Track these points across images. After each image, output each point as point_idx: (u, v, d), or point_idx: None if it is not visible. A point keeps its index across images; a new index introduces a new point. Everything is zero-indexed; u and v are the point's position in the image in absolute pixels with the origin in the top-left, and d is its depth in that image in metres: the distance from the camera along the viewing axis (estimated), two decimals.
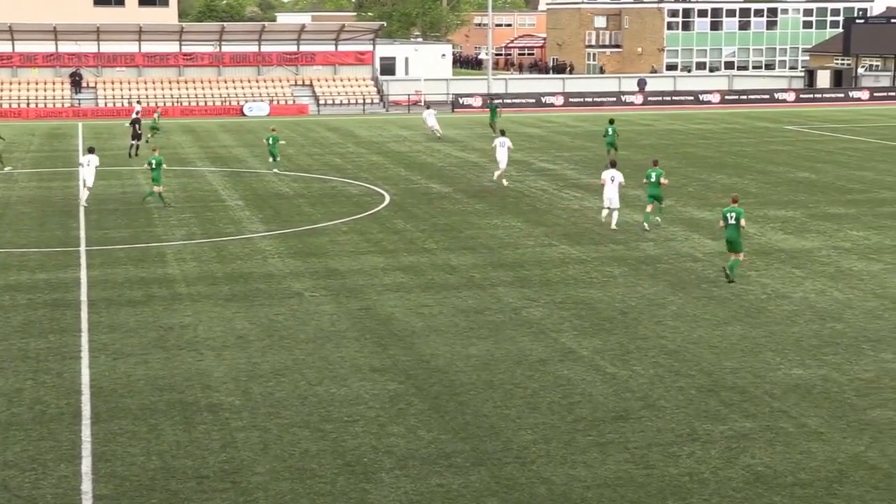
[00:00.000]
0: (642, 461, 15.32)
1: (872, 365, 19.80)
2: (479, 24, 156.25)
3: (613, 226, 32.82)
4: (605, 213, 33.20)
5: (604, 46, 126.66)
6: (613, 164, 33.24)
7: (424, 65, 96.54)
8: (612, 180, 32.51)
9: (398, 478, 14.75)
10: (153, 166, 36.92)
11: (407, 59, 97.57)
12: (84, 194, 37.45)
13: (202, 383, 18.73)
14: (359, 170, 47.60)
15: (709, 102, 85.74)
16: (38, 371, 19.51)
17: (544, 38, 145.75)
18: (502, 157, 42.07)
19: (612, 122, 48.66)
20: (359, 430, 16.53)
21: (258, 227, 33.90)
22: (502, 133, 43.52)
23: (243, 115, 77.87)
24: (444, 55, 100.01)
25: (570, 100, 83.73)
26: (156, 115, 61.15)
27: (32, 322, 22.75)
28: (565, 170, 47.46)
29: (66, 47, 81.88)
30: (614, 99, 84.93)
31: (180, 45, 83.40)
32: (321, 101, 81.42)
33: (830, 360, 20.05)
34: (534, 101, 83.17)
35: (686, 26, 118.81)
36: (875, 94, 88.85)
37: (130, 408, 17.55)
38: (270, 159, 46.85)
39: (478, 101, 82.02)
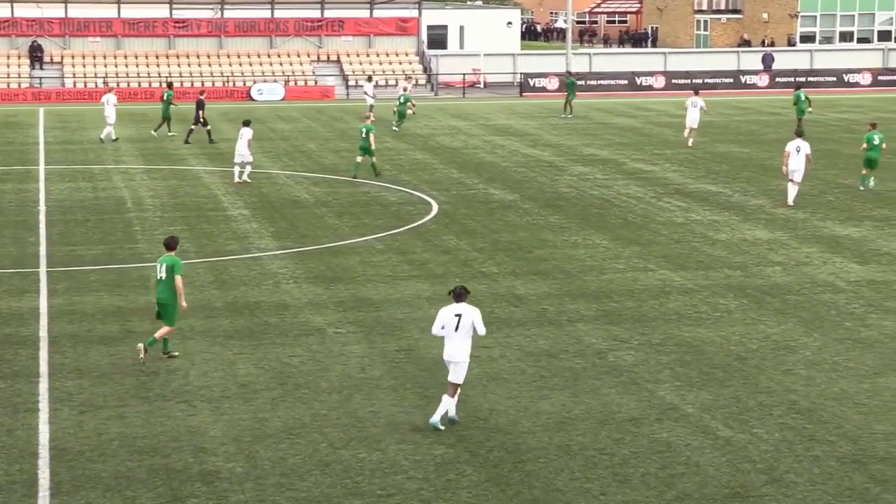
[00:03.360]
0: None
1: None
2: None
3: (790, 201, 39.04)
4: (791, 189, 39.38)
5: (718, 12, 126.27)
6: (800, 135, 39.83)
7: (485, 35, 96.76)
8: (797, 151, 39.01)
9: None
10: (364, 134, 44.85)
11: (462, 29, 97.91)
12: (236, 171, 44.42)
13: (194, 445, 18.85)
14: (399, 171, 47.77)
15: (857, 84, 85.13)
16: None
17: (640, 1, 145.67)
18: (694, 117, 51.76)
19: (799, 87, 58.28)
20: None
21: (269, 243, 34.14)
22: (696, 92, 51.11)
23: (251, 98, 78.57)
24: (510, 23, 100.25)
25: (674, 81, 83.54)
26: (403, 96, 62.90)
27: None
28: (666, 172, 47.35)
29: (24, 11, 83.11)
30: (731, 80, 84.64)
31: (171, 8, 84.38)
32: (351, 83, 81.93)
33: None
34: (626, 82, 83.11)
35: None
36: None
37: (101, 476, 17.70)
38: (395, 119, 56.37)
39: (554, 83, 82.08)
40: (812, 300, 27.67)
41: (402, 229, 35.95)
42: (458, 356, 19.41)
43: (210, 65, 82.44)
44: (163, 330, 23.10)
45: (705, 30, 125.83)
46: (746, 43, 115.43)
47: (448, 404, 19.42)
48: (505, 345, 24.17)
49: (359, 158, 45.36)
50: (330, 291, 28.45)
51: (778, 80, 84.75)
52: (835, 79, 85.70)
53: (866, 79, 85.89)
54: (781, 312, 26.62)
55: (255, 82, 79.97)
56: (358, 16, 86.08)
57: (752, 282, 29.37)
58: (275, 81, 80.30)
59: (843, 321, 25.92)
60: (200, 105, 56.40)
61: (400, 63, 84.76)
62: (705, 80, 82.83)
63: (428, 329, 25.00)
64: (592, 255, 32.34)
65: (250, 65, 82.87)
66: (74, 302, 27.53)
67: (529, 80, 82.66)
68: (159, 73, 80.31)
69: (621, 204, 40.18)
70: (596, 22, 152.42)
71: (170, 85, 60.35)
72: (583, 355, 23.52)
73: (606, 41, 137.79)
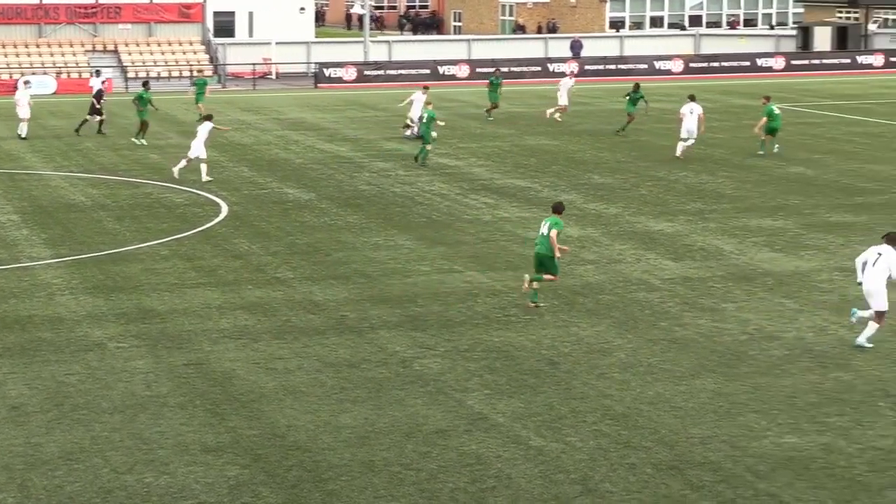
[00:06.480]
0: None
1: (892, 428, 20.30)
2: None
3: (678, 154, 47.87)
4: (681, 146, 47.83)
5: None
6: (693, 98, 48.84)
7: (276, 23, 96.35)
8: (691, 112, 47.73)
9: None
10: (423, 120, 48.36)
11: (251, 15, 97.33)
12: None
13: None
14: (184, 170, 47.32)
15: (668, 72, 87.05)
16: None
17: None
18: (692, 125, 49.19)
19: (637, 86, 57.28)
20: None
21: (41, 251, 33.49)
22: (692, 98, 49.92)
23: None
24: (302, 9, 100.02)
25: (479, 70, 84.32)
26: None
27: None
28: (472, 167, 47.80)
29: None
30: (539, 68, 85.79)
31: None
32: (130, 74, 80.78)
33: (835, 424, 20.50)
34: (429, 71, 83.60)
35: None
36: (892, 60, 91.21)
37: None
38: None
39: (351, 73, 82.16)
40: (626, 300, 28.24)
41: (188, 233, 35.61)
42: (870, 285, 24.00)
43: None
44: (548, 277, 27.50)
45: (510, 15, 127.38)
46: (521, 28, 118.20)
47: (872, 329, 24.27)
48: (303, 355, 24.13)
49: (428, 147, 47.79)
50: (110, 302, 28.05)
51: (587, 67, 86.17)
52: (646, 66, 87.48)
53: (678, 66, 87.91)
54: (594, 313, 27.10)
55: (22, 74, 78.15)
56: (137, 1, 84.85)
57: (563, 282, 29.78)
58: (45, 73, 78.65)
59: (658, 321, 26.52)
60: (100, 95, 56.83)
61: (184, 53, 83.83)
62: (511, 69, 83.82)
63: (220, 341, 24.96)
64: (395, 257, 32.48)
65: (17, 55, 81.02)
66: None
67: (325, 70, 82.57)
68: None
69: (425, 202, 40.43)
70: (395, 7, 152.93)
71: (145, 83, 57.95)
72: (386, 364, 23.61)
73: (381, 26, 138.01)
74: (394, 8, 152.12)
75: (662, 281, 29.90)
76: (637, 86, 57.03)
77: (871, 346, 24.19)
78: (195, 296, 28.66)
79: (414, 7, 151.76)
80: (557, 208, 28.05)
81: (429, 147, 47.94)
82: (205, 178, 44.01)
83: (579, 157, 49.66)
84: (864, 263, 24.30)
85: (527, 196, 41.21)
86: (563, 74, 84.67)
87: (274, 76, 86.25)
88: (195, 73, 70.43)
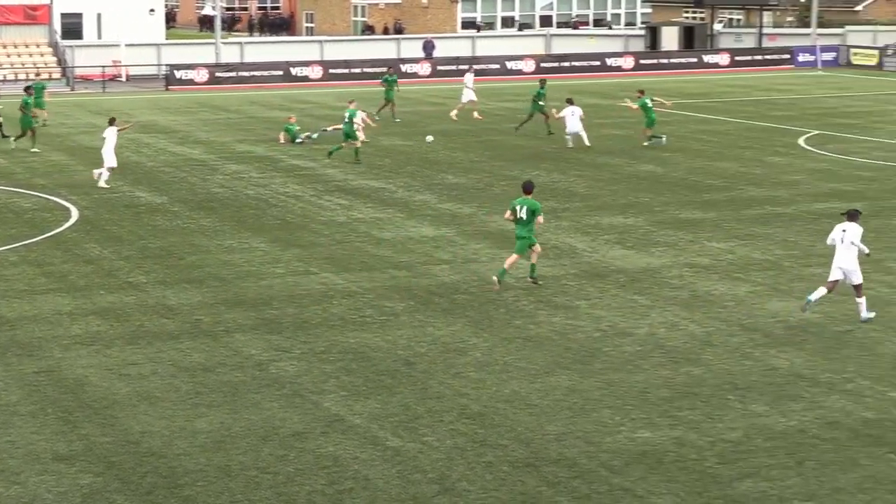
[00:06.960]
0: None
1: (740, 421, 20.69)
2: None
3: (585, 142, 51.28)
4: (569, 139, 51.42)
5: None
6: (571, 101, 51.68)
7: (126, 24, 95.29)
8: (572, 114, 51.10)
9: None
10: (346, 119, 48.59)
11: (99, 17, 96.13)
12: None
13: None
14: (32, 174, 46.58)
15: (519, 72, 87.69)
16: None
17: None
18: (577, 127, 51.81)
19: (543, 83, 57.66)
20: None
21: None
22: (570, 102, 52.13)
23: None
24: (152, 11, 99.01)
25: (331, 71, 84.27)
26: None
27: None
28: (326, 168, 47.72)
29: None
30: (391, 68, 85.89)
31: None
32: None
33: (686, 417, 20.84)
34: (281, 73, 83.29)
35: None
36: (736, 59, 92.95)
37: None
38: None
39: (202, 75, 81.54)
40: (481, 298, 28.41)
41: (37, 239, 35.09)
42: (845, 264, 25.48)
43: None
44: (535, 249, 29.08)
45: (363, 16, 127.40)
46: (370, 29, 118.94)
47: (863, 301, 25.92)
48: (157, 360, 23.91)
49: (343, 144, 48.44)
50: None
51: (440, 67, 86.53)
52: (498, 66, 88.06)
53: (529, 66, 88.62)
54: (450, 313, 27.23)
55: None
56: None
57: (418, 282, 29.93)
58: None
59: (513, 319, 26.72)
60: None
61: (30, 55, 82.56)
62: (364, 70, 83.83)
63: (72, 348, 24.62)
64: (249, 260, 32.32)
65: None
66: None
67: (176, 72, 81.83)
68: None
69: (279, 203, 40.29)
70: (247, 8, 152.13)
71: (27, 89, 56.01)
72: (242, 368, 23.50)
73: (232, 27, 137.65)
74: (245, 9, 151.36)
75: (517, 279, 30.12)
76: (542, 82, 57.68)
77: (873, 314, 26.00)
78: (45, 302, 28.25)
79: (265, 8, 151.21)
80: (527, 188, 29.04)
81: (344, 145, 48.43)
82: (102, 184, 43.21)
83: (433, 158, 49.84)
84: (839, 240, 25.70)
85: (381, 197, 41.26)
86: (415, 75, 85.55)
87: (124, 78, 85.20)
88: (34, 77, 69.05)
